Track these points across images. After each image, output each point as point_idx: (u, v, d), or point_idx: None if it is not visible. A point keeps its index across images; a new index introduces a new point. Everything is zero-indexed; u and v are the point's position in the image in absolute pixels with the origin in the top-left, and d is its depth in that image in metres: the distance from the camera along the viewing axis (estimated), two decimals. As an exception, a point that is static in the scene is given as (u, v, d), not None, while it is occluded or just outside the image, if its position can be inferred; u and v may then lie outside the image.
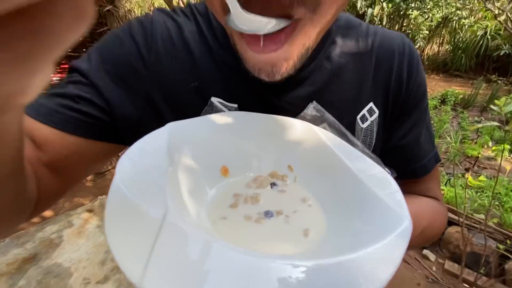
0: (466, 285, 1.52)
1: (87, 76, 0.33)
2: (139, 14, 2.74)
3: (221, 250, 0.17)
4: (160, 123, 0.28)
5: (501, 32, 7.61)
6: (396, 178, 0.32)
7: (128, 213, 0.19)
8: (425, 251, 1.75)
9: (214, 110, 0.35)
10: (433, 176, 0.44)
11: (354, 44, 0.38)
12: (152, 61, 0.34)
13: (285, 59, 0.27)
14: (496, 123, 1.30)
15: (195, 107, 0.35)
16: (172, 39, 0.35)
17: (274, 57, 0.26)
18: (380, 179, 0.28)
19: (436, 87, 6.65)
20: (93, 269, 1.36)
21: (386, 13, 7.41)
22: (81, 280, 1.36)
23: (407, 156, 0.42)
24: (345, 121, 0.37)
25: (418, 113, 0.41)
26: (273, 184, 0.33)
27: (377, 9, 6.48)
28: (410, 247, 0.32)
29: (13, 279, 1.33)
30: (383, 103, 0.39)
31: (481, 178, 1.63)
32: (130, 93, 0.34)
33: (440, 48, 11.55)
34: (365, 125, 0.38)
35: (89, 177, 2.32)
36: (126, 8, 2.77)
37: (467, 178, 1.91)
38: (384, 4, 6.80)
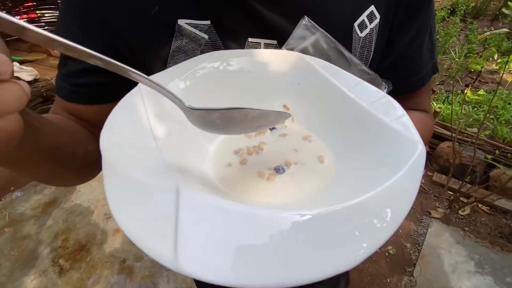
0: (451, 193, 1.67)
1: None
2: None
3: (245, 213, 0.16)
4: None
5: None
6: (390, 93, 0.31)
7: (136, 196, 0.18)
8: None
9: (185, 35, 0.31)
10: (428, 87, 0.42)
11: None
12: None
13: None
14: (505, 30, 1.19)
15: (162, 38, 0.31)
16: None
17: None
18: (384, 105, 0.27)
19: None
20: (110, 206, 1.48)
21: None
22: (103, 216, 1.51)
23: (407, 69, 0.39)
24: (340, 30, 0.33)
25: (423, 18, 0.36)
26: (272, 129, 0.32)
27: None
28: None
29: (41, 220, 1.48)
30: (386, 5, 0.34)
31: (480, 92, 1.60)
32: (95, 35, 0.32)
33: None
34: (363, 34, 0.34)
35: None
36: None
37: (466, 93, 1.88)
38: None
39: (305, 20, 0.31)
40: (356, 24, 0.33)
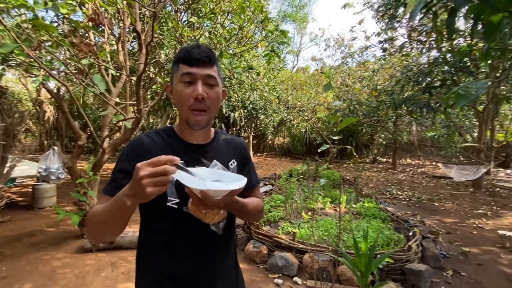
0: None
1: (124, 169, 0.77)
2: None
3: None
4: None
5: (313, 130, 11.46)
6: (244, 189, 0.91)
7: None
8: (295, 279, 2.36)
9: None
10: (258, 188, 1.06)
11: (226, 137, 1.00)
12: (144, 152, 0.81)
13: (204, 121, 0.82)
14: (324, 181, 2.27)
15: None
16: (151, 143, 0.84)
17: (202, 119, 0.80)
18: (239, 176, 0.86)
19: (285, 166, 8.96)
20: None
21: (243, 116, 9.82)
22: None
23: (251, 179, 1.03)
24: (225, 165, 0.95)
25: (250, 164, 1.05)
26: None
27: (237, 113, 8.61)
28: (248, 215, 0.89)
29: None
30: (237, 159, 1.00)
31: (317, 218, 2.55)
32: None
33: (284, 140, 15.80)
34: (232, 167, 0.97)
35: None
36: None
37: (312, 222, 2.85)
38: (241, 110, 9.14)
39: (215, 161, 0.92)
40: (229, 163, 0.96)
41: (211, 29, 4.25)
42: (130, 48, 5.45)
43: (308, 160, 7.29)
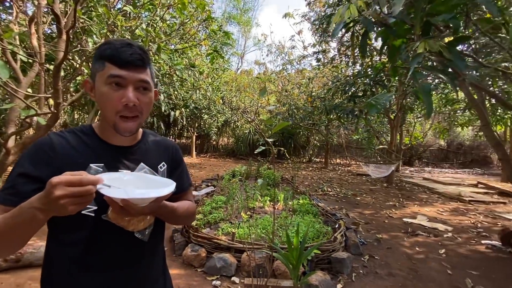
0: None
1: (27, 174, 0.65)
2: None
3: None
4: None
5: (257, 131, 11.79)
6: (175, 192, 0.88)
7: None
8: (233, 278, 2.39)
9: (92, 170, 0.76)
10: (190, 191, 1.05)
11: (155, 138, 0.95)
12: (54, 155, 0.71)
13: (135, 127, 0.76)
14: (261, 180, 2.34)
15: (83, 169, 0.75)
16: (63, 144, 0.74)
17: (133, 126, 0.74)
18: (168, 181, 0.82)
19: (229, 166, 9.00)
20: None
21: (185, 115, 9.46)
22: None
23: (182, 182, 1.00)
24: (154, 168, 0.90)
25: (182, 166, 1.02)
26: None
27: (178, 112, 8.24)
28: (178, 220, 0.87)
29: None
30: (167, 162, 0.97)
31: (256, 216, 2.63)
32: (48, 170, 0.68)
33: (229, 140, 15.84)
34: (162, 170, 0.93)
35: None
36: None
37: (252, 220, 2.92)
38: (183, 109, 8.79)
39: (142, 164, 0.87)
40: (158, 166, 0.92)
41: (149, 21, 3.97)
42: (48, 31, 4.67)
43: (250, 161, 7.47)
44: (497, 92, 5.16)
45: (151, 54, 3.81)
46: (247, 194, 4.76)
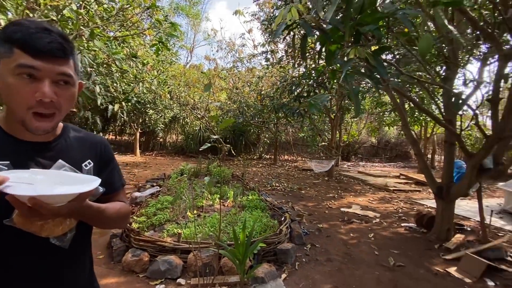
0: (206, 289, 2.22)
1: None
2: None
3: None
4: None
5: (207, 128, 11.54)
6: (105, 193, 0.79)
7: None
8: (178, 280, 2.31)
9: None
10: (123, 192, 0.96)
11: (79, 134, 0.84)
12: None
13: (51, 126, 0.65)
14: (207, 179, 2.27)
15: None
16: None
17: (48, 125, 0.64)
18: (90, 177, 0.73)
19: (178, 165, 8.61)
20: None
21: (126, 110, 8.66)
22: None
23: (113, 182, 0.91)
24: (76, 166, 0.79)
25: (113, 164, 0.93)
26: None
27: (117, 106, 7.49)
28: (108, 223, 0.80)
29: None
30: (95, 160, 0.87)
31: (203, 215, 2.57)
32: None
33: (177, 137, 15.14)
34: (87, 168, 0.83)
35: None
36: None
37: (199, 219, 2.84)
38: (123, 103, 8.03)
39: (59, 161, 0.75)
40: (83, 165, 0.82)
41: (80, 2, 3.50)
42: None
43: (200, 158, 7.28)
44: (414, 97, 6.09)
45: (84, 39, 3.38)
46: (195, 193, 4.64)
